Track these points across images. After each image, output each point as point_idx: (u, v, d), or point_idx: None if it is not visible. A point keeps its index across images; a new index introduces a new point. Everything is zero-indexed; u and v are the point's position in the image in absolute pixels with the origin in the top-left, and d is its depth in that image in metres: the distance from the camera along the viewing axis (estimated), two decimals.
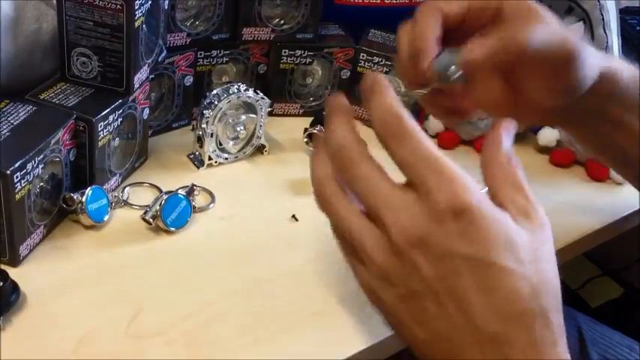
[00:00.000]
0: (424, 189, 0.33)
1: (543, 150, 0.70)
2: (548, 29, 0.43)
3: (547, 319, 0.34)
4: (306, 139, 0.65)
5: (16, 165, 0.45)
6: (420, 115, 0.69)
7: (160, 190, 0.57)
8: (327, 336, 0.47)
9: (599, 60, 0.46)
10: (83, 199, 0.51)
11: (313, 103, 0.71)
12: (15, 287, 0.45)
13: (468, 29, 0.45)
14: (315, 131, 0.64)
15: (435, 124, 0.70)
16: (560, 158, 0.69)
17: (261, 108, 0.62)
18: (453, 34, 0.44)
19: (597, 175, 0.68)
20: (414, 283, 0.34)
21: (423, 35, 0.43)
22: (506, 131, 0.37)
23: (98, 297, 0.47)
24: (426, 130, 0.71)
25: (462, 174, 0.34)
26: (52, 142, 0.49)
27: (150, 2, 0.53)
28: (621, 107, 0.49)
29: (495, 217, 0.34)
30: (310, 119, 0.67)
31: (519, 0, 0.44)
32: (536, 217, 0.36)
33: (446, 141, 0.70)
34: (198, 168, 0.61)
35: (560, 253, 0.60)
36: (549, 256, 0.36)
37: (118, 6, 0.50)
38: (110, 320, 0.45)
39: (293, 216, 0.57)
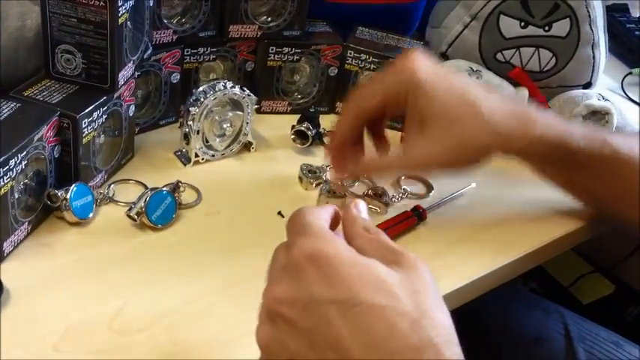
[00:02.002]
0: (289, 249, 0.35)
1: None
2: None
3: (438, 353, 0.31)
4: (293, 137, 0.65)
5: None
6: None
7: (146, 187, 0.57)
8: None
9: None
10: (68, 196, 0.51)
11: (301, 101, 0.71)
12: None
13: (393, 113, 0.55)
14: (302, 128, 0.65)
15: None
16: None
17: (248, 105, 0.62)
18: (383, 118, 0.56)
19: None
20: (292, 343, 0.33)
21: (339, 132, 0.55)
22: (358, 207, 0.38)
23: (82, 293, 0.47)
24: None
25: (325, 231, 0.35)
26: (36, 138, 0.49)
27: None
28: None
29: (358, 261, 0.33)
30: (298, 116, 0.67)
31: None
32: (408, 262, 0.34)
33: None
34: (185, 165, 0.61)
35: (548, 249, 0.61)
36: (432, 295, 0.33)
37: (102, 3, 0.50)
38: (94, 316, 0.45)
39: (279, 213, 0.57)
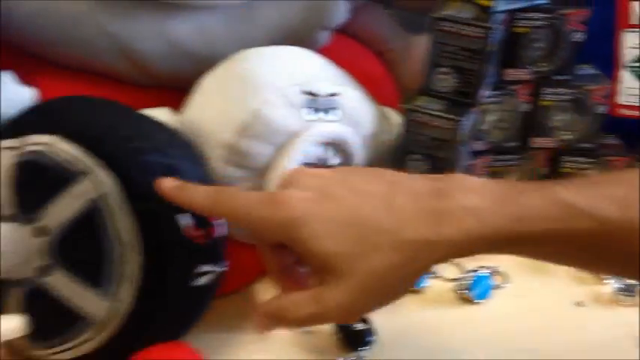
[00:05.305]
0: None
1: None
2: None
3: None
4: None
5: None
6: None
7: (464, 268, 0.71)
8: None
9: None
10: None
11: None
12: (373, 331, 0.61)
13: None
14: None
15: None
16: None
17: None
18: None
19: None
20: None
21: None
22: None
23: (423, 348, 0.61)
24: None
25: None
26: None
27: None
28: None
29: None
30: None
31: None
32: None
33: None
34: None
35: None
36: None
37: (480, 33, 0.63)
38: None
39: (578, 302, 0.66)
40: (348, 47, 0.78)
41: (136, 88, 0.67)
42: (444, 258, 0.41)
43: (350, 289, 0.41)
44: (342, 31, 0.75)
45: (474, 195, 0.40)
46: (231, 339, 0.60)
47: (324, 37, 0.72)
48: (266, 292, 0.65)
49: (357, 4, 0.75)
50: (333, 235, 0.40)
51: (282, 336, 0.61)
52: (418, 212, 0.40)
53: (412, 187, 0.42)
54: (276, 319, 0.45)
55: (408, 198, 0.41)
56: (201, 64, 0.64)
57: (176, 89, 0.66)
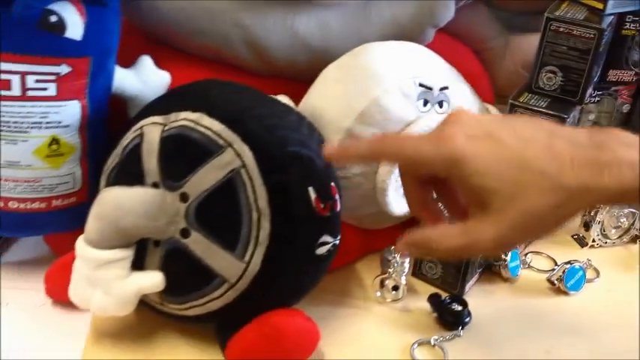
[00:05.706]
0: None
1: None
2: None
3: None
4: None
5: None
6: None
7: (554, 261, 0.73)
8: None
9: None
10: (506, 258, 0.70)
11: None
12: (469, 312, 0.65)
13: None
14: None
15: None
16: None
17: None
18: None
19: None
20: None
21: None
22: None
23: (515, 332, 0.65)
24: None
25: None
26: None
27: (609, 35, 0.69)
28: None
29: None
30: None
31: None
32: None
33: None
34: (581, 247, 0.76)
35: None
36: None
37: (591, 35, 0.65)
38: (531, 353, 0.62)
39: None
40: (448, 44, 0.82)
41: (253, 76, 0.73)
42: (596, 204, 0.47)
43: (503, 225, 0.43)
44: (443, 28, 0.79)
45: (632, 149, 0.43)
46: (333, 312, 0.66)
47: (431, 35, 0.75)
48: (366, 271, 0.71)
49: (461, 4, 0.79)
50: (494, 173, 0.43)
51: (380, 312, 0.66)
52: (579, 160, 0.43)
53: (572, 136, 0.44)
54: (422, 247, 0.47)
55: (568, 146, 0.43)
56: (316, 56, 0.70)
57: (290, 79, 0.72)
